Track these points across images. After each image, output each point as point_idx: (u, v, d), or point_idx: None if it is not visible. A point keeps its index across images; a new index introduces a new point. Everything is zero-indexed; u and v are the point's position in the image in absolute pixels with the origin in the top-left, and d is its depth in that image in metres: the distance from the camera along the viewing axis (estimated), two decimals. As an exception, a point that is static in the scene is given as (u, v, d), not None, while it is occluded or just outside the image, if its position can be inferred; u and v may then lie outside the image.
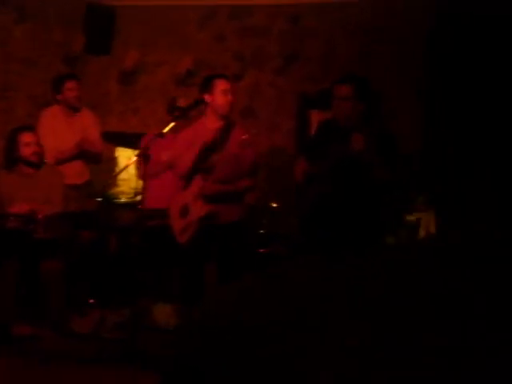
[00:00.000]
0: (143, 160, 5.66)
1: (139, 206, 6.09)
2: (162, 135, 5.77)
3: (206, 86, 5.02)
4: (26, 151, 5.42)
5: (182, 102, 5.88)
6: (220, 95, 4.96)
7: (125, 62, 7.48)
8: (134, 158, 5.96)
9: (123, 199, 6.88)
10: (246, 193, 5.16)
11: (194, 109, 5.73)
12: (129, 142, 6.72)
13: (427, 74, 6.34)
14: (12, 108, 7.28)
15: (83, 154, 6.16)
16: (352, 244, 4.16)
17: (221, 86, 4.97)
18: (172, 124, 5.77)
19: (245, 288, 1.18)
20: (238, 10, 7.38)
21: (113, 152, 7.31)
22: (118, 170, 6.54)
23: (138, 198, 6.35)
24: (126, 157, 6.74)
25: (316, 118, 6.74)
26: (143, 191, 5.84)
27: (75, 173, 6.10)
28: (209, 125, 5.06)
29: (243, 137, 4.87)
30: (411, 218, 5.06)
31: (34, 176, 5.46)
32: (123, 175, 6.75)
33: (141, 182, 5.83)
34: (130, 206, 6.60)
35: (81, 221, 5.58)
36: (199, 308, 1.23)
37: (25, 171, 5.48)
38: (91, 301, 5.62)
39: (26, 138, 5.44)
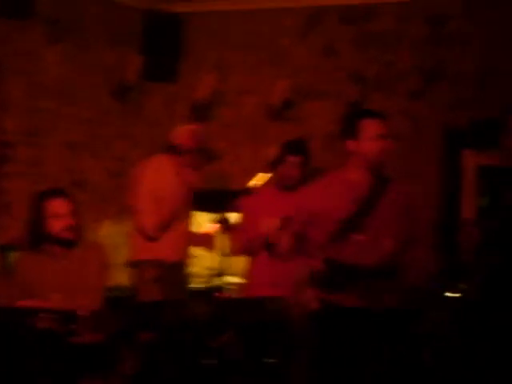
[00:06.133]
0: (225, 228, 5.65)
1: (215, 295, 5.85)
2: (249, 191, 5.73)
3: (350, 128, 4.55)
4: (56, 225, 4.90)
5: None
6: (371, 141, 4.48)
7: (197, 90, 7.17)
8: (214, 226, 5.89)
9: (195, 285, 6.26)
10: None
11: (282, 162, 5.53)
12: (205, 202, 6.03)
13: None
14: (42, 159, 6.66)
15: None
16: None
17: (373, 129, 4.47)
18: (260, 175, 5.69)
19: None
20: (355, 11, 6.87)
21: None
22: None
23: (216, 282, 6.09)
24: (201, 223, 6.17)
25: (471, 161, 6.52)
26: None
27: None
28: (352, 177, 4.55)
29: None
30: None
31: (67, 257, 4.92)
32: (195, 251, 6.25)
33: (219, 260, 5.72)
34: (204, 294, 6.20)
35: (139, 317, 4.92)
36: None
37: (55, 251, 4.94)
38: None
39: (56, 207, 4.94)
